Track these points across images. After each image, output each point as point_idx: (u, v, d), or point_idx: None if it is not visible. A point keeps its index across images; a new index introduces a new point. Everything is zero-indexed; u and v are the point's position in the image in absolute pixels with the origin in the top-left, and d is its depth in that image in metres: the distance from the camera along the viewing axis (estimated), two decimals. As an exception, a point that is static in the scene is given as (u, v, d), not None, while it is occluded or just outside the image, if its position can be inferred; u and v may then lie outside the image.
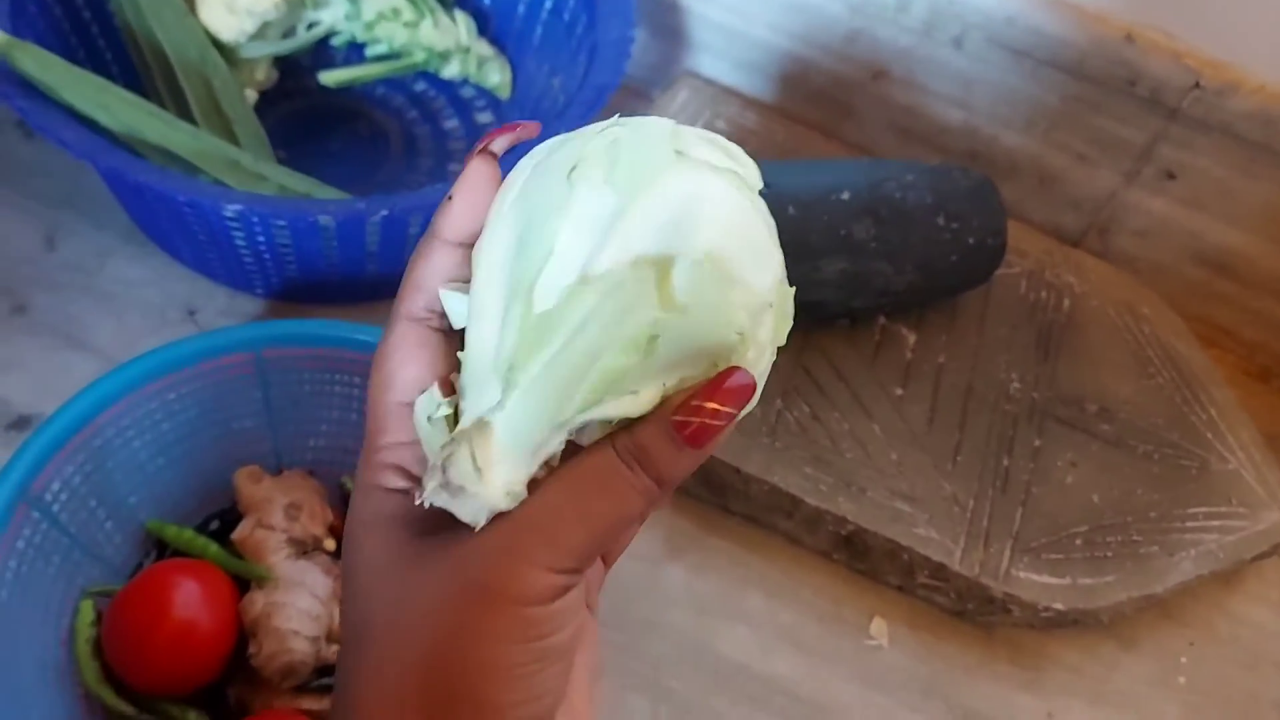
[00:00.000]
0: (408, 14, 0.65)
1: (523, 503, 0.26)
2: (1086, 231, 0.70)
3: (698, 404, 0.26)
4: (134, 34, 0.59)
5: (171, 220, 0.56)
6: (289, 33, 0.66)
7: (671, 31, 0.72)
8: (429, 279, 0.28)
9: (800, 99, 0.72)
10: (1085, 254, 0.69)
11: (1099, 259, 0.69)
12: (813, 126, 0.72)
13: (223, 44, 0.62)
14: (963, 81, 0.67)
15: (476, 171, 0.28)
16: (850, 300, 0.59)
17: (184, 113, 0.59)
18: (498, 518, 0.26)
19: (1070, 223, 0.71)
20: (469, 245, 0.28)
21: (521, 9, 0.69)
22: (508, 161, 0.29)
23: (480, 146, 0.29)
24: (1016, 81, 0.66)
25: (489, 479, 0.26)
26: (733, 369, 0.26)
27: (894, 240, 0.58)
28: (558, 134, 0.29)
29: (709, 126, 0.69)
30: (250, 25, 0.62)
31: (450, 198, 0.28)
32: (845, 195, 0.58)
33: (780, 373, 0.58)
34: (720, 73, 0.73)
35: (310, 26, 0.66)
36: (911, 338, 0.62)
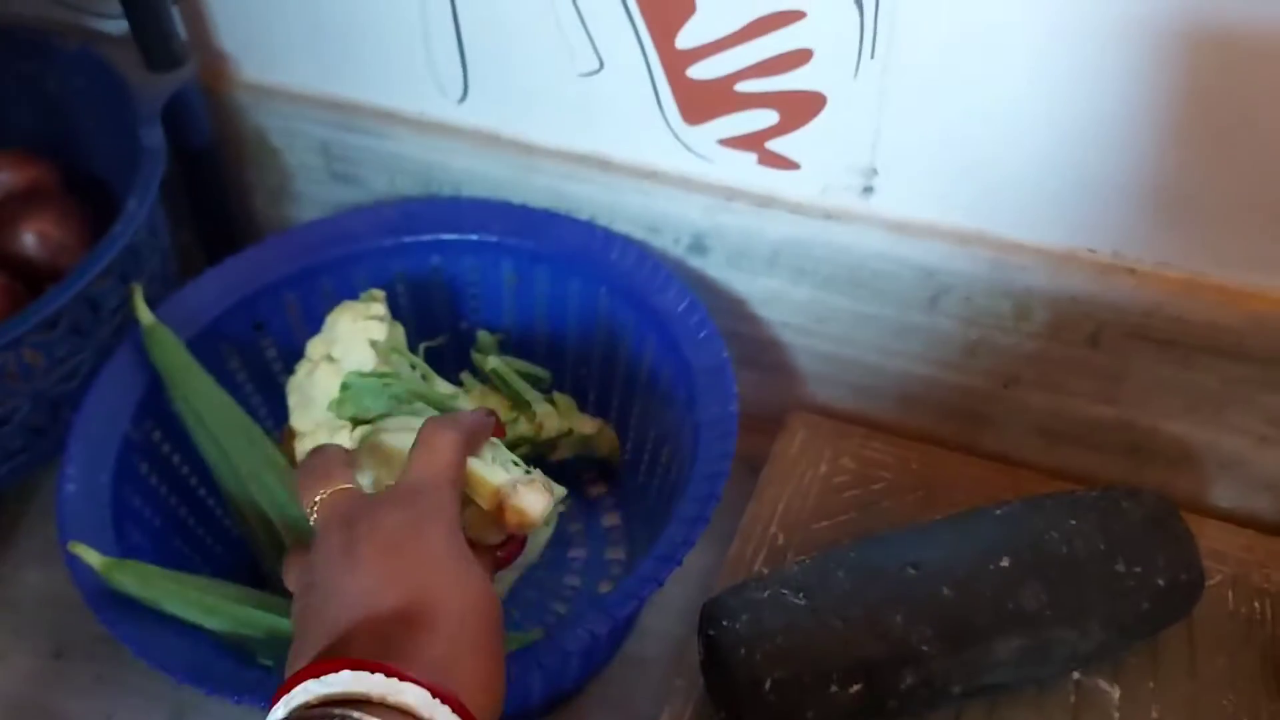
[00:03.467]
0: (502, 414, 0.63)
1: None
2: (1288, 517, 0.61)
3: None
4: (236, 502, 0.59)
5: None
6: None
7: (777, 367, 0.68)
8: None
9: (929, 417, 0.66)
10: (1294, 545, 0.60)
11: (1312, 548, 0.60)
12: (947, 445, 0.66)
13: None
14: (1107, 377, 0.61)
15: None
16: (1035, 674, 0.52)
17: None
18: None
19: (1266, 508, 0.62)
20: None
21: (620, 381, 0.66)
22: None
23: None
24: (1169, 371, 0.59)
25: None
26: None
27: (1071, 603, 0.51)
28: None
29: (832, 466, 0.64)
30: (349, 455, 0.61)
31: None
32: (1005, 562, 0.51)
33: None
34: (837, 399, 0.68)
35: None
36: (1114, 693, 0.54)
